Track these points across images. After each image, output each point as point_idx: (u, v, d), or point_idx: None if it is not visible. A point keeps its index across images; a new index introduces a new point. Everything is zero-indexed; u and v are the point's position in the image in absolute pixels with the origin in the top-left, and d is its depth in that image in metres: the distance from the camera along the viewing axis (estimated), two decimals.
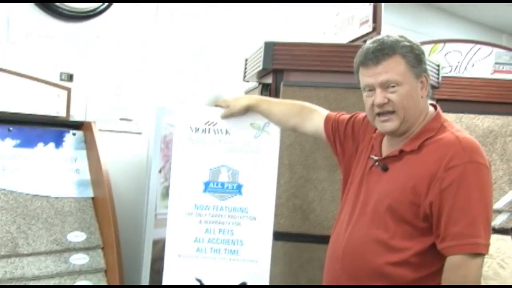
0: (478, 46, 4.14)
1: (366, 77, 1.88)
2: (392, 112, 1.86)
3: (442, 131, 1.87)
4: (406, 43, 1.87)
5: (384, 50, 1.84)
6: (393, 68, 1.83)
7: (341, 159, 2.23)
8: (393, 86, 1.83)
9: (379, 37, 1.92)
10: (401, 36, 1.90)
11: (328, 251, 2.07)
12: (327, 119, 2.27)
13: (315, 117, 2.33)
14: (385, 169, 1.91)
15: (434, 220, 1.78)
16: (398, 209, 1.82)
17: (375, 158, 1.97)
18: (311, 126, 2.33)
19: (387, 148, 1.98)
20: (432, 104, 1.96)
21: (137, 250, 3.34)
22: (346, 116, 2.25)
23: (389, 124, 1.87)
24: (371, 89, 1.88)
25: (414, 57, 1.86)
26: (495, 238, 3.96)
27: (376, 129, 2.04)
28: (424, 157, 1.83)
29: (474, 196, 1.75)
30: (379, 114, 1.89)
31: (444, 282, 1.78)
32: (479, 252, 1.74)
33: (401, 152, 1.89)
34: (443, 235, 1.76)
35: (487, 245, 1.77)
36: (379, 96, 1.85)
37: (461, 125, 3.98)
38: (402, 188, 1.82)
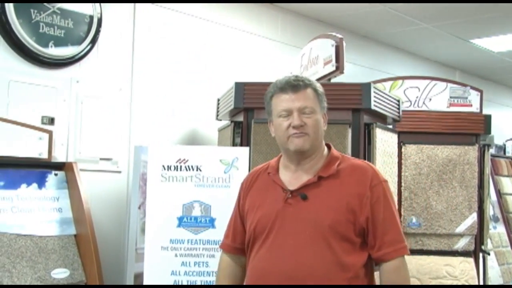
0: (434, 82, 4.23)
1: (284, 102, 1.99)
2: (306, 134, 1.98)
3: (344, 160, 2.06)
4: (314, 81, 2.08)
5: (302, 82, 2.01)
6: (308, 98, 2.00)
7: None
8: (308, 113, 1.98)
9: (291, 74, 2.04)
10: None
11: (257, 280, 1.99)
12: (233, 241, 2.19)
13: (234, 262, 2.20)
14: (304, 197, 1.97)
15: (370, 233, 1.95)
16: (338, 229, 1.92)
17: (290, 189, 2.00)
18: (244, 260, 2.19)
19: (291, 181, 2.02)
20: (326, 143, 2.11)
21: (119, 284, 3.29)
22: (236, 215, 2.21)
23: (302, 140, 1.97)
24: (288, 114, 1.98)
25: (321, 94, 2.05)
26: (459, 261, 3.98)
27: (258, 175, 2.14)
28: (345, 179, 1.99)
29: (393, 208, 2.01)
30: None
31: (389, 283, 1.95)
32: (407, 254, 1.98)
33: (320, 178, 1.99)
34: (380, 244, 1.95)
35: None
36: (297, 119, 1.96)
37: (422, 155, 4.06)
38: (336, 209, 1.94)
